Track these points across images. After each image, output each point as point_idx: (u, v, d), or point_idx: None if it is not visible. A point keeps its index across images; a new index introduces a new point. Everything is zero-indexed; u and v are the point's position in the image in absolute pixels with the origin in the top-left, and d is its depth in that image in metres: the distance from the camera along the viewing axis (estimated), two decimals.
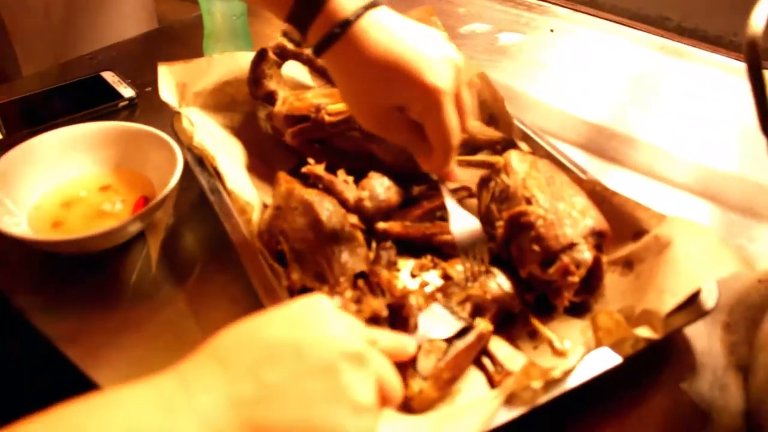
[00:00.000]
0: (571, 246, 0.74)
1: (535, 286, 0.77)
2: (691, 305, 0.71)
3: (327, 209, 0.81)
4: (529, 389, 0.64)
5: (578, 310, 0.77)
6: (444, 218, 0.86)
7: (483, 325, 0.72)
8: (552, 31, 1.36)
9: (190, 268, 0.88)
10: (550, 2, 1.44)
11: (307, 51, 1.01)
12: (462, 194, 0.89)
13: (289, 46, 1.00)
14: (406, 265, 0.82)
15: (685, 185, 0.99)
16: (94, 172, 0.95)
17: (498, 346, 0.74)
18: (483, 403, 0.64)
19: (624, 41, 1.32)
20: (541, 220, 0.75)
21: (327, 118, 0.91)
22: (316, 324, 0.51)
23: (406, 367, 0.68)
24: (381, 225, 0.84)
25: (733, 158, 1.03)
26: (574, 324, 0.76)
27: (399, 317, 0.73)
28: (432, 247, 0.84)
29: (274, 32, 1.27)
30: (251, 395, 0.46)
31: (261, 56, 0.99)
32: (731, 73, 1.19)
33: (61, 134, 0.95)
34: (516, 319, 0.77)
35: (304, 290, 0.76)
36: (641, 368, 0.72)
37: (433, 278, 0.80)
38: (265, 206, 0.87)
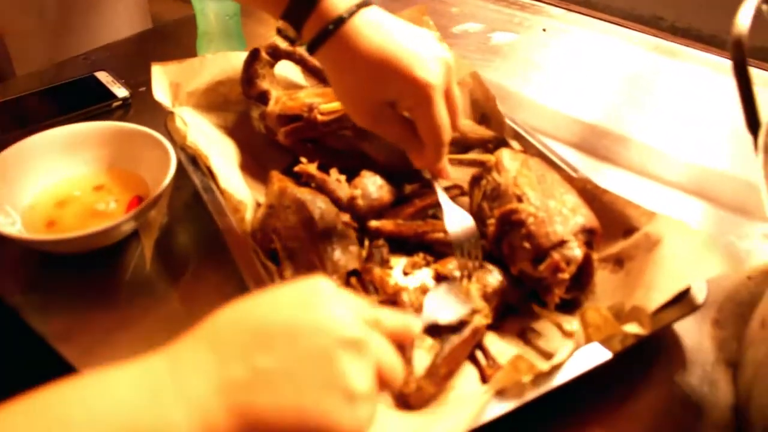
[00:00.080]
0: (562, 243, 0.75)
1: (526, 283, 0.78)
2: (681, 302, 0.72)
3: (319, 208, 0.81)
4: (518, 384, 0.64)
5: (569, 306, 0.77)
6: (436, 216, 0.87)
7: (478, 319, 0.73)
8: (545, 30, 1.36)
9: (184, 266, 0.88)
10: (543, 2, 1.44)
11: (300, 50, 1.01)
12: (454, 192, 0.90)
13: (282, 45, 1.00)
14: (399, 262, 0.83)
15: (677, 183, 1.00)
16: (87, 171, 0.96)
17: (491, 341, 0.75)
18: (473, 398, 0.64)
19: (617, 41, 1.32)
20: (531, 218, 0.76)
21: (319, 117, 0.91)
22: (314, 306, 0.49)
23: (403, 363, 0.69)
24: (373, 223, 0.85)
25: (725, 157, 1.04)
26: (565, 321, 0.76)
27: None
28: (424, 245, 0.84)
29: (267, 32, 1.28)
30: (241, 380, 0.45)
31: (254, 56, 1.00)
32: (724, 73, 1.20)
33: (54, 134, 0.95)
34: (515, 312, 0.78)
35: None
36: (632, 364, 0.73)
37: (426, 276, 0.80)
38: (258, 205, 0.88)
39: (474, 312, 0.73)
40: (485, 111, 0.99)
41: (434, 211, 0.88)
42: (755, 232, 0.90)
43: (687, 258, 0.72)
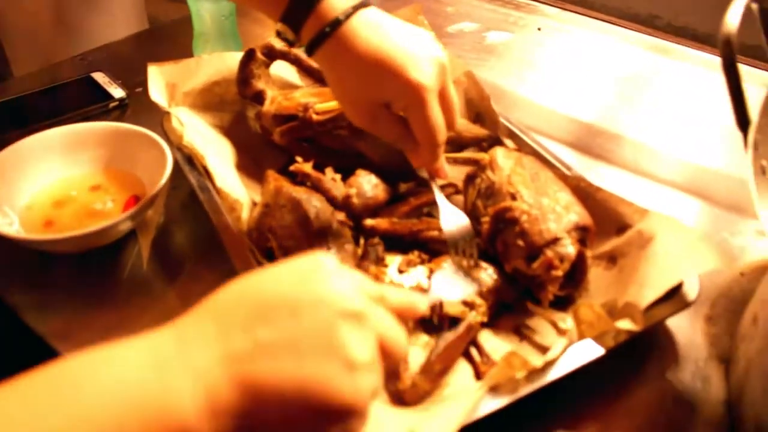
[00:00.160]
0: (555, 240, 0.75)
1: (520, 280, 0.78)
2: (673, 298, 0.72)
3: (315, 206, 0.82)
4: (512, 380, 0.65)
5: (563, 304, 0.78)
6: (431, 214, 0.87)
7: (472, 316, 0.74)
8: (539, 29, 1.37)
9: (181, 265, 0.89)
10: (538, 1, 1.45)
11: (295, 51, 1.02)
12: (448, 191, 0.90)
13: (278, 45, 1.00)
14: (394, 260, 0.83)
15: (671, 181, 1.00)
16: (85, 171, 0.96)
17: (485, 338, 0.76)
18: (467, 394, 0.65)
19: (612, 40, 1.33)
20: (525, 216, 0.76)
21: (315, 117, 0.92)
22: (315, 280, 0.50)
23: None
24: (368, 222, 0.85)
25: (719, 155, 1.04)
26: (560, 318, 0.77)
27: None
28: (419, 243, 0.85)
29: (263, 32, 1.29)
30: (244, 351, 0.46)
31: (249, 56, 1.00)
32: (718, 71, 1.18)
33: (52, 135, 0.96)
34: (510, 309, 0.79)
35: None
36: (625, 360, 0.73)
37: (421, 274, 0.81)
38: (254, 204, 0.88)
39: (479, 292, 0.75)
40: (480, 110, 1.00)
41: (429, 210, 0.89)
42: (748, 229, 0.91)
43: (679, 254, 0.73)
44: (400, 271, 0.82)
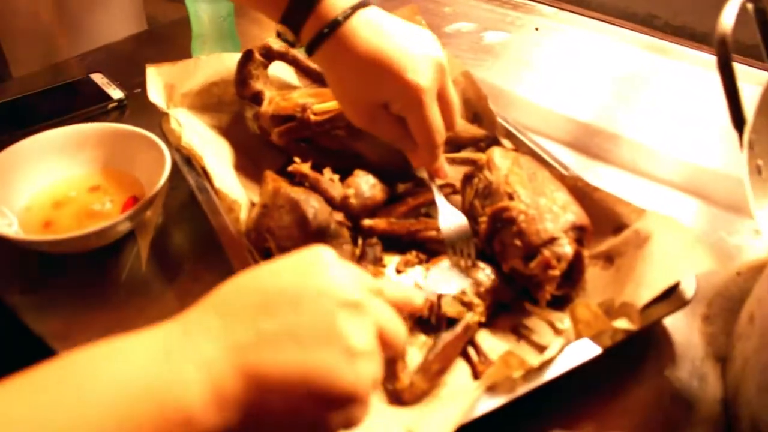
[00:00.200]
0: (552, 240, 0.75)
1: (518, 280, 0.78)
2: (670, 297, 0.72)
3: (313, 207, 0.82)
4: (509, 379, 0.65)
5: (561, 303, 0.78)
6: (428, 215, 0.88)
7: (470, 316, 0.74)
8: (537, 29, 1.37)
9: (179, 266, 0.89)
10: (535, 1, 1.45)
11: (293, 51, 1.02)
12: (446, 191, 0.90)
13: (275, 46, 1.01)
14: (392, 260, 0.84)
15: (668, 181, 1.01)
16: (83, 172, 0.96)
17: (483, 338, 0.76)
18: (465, 393, 0.65)
19: (609, 39, 1.33)
20: (522, 216, 0.77)
21: (313, 117, 0.92)
22: (315, 274, 0.51)
23: (396, 360, 0.70)
24: (366, 222, 0.86)
25: (716, 154, 1.05)
26: (557, 318, 0.77)
27: None
28: (417, 243, 0.85)
29: (261, 33, 1.29)
30: (247, 341, 0.48)
31: (247, 57, 1.00)
32: (716, 71, 1.20)
33: (50, 136, 0.96)
34: (508, 309, 0.79)
35: None
36: (622, 360, 0.74)
37: (418, 274, 0.81)
38: (253, 204, 0.88)
39: (477, 292, 0.75)
40: (477, 110, 1.00)
41: (427, 210, 0.89)
42: (745, 229, 0.91)
43: (676, 254, 0.73)
44: (398, 271, 0.82)
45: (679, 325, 0.78)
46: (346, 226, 0.84)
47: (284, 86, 1.07)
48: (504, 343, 0.76)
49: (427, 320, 0.75)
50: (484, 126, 0.99)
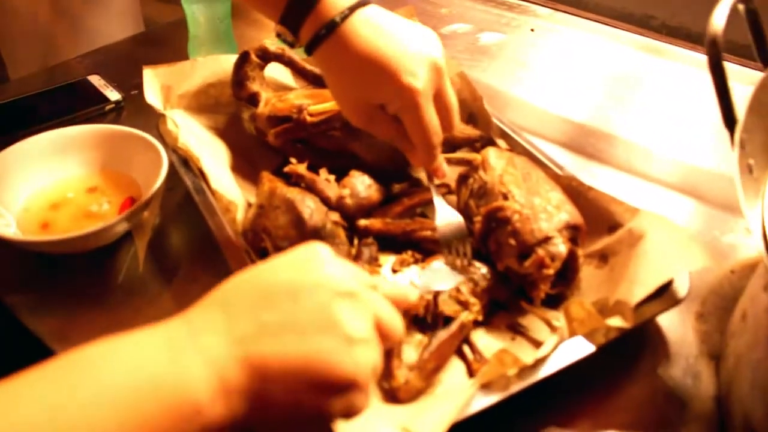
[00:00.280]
0: (547, 239, 0.76)
1: (513, 279, 0.79)
2: (664, 295, 0.73)
3: (309, 207, 0.82)
4: (503, 377, 0.66)
5: (556, 302, 0.79)
6: (424, 214, 0.88)
7: (465, 314, 0.74)
8: (532, 30, 1.38)
9: (177, 266, 0.90)
10: (531, 2, 1.46)
11: (289, 53, 1.03)
12: (441, 191, 0.91)
13: (272, 48, 1.01)
14: (388, 260, 0.84)
15: (663, 181, 1.01)
16: (81, 174, 0.97)
17: (478, 336, 0.76)
18: (460, 391, 0.65)
19: (604, 40, 1.33)
20: (517, 215, 0.77)
21: (309, 118, 0.92)
22: (312, 268, 0.53)
23: (392, 358, 0.70)
24: (362, 222, 0.86)
25: (711, 154, 1.05)
26: (553, 316, 0.78)
27: None
28: (413, 243, 0.86)
29: (258, 35, 1.29)
30: (249, 333, 0.49)
31: (243, 59, 1.01)
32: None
33: (48, 137, 0.96)
34: (503, 308, 0.79)
35: None
36: (616, 357, 0.74)
37: (414, 273, 0.81)
38: (249, 205, 0.89)
39: (468, 280, 0.76)
40: (472, 110, 1.00)
41: (422, 210, 0.89)
42: (739, 227, 0.92)
43: (669, 252, 0.73)
44: (394, 271, 0.83)
45: (673, 323, 0.79)
46: (342, 226, 0.84)
47: (280, 88, 1.07)
48: (499, 341, 0.76)
49: (423, 319, 0.76)
50: (480, 126, 0.99)
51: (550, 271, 0.75)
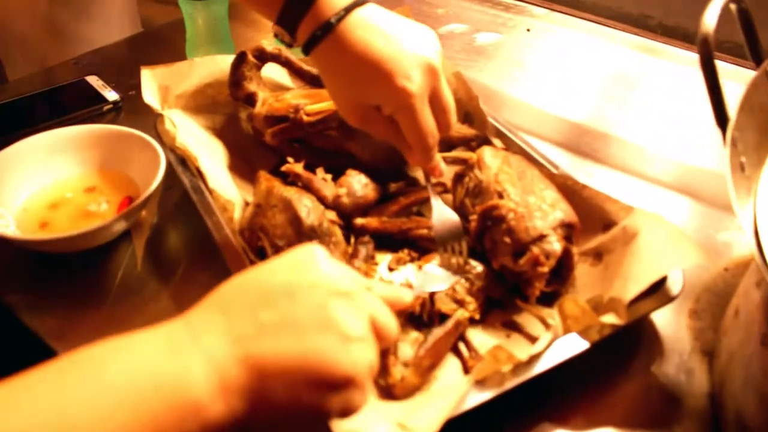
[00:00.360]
0: (541, 237, 0.76)
1: (508, 277, 0.79)
2: (657, 293, 0.73)
3: (306, 206, 0.83)
4: (498, 374, 0.66)
5: (551, 300, 0.79)
6: (420, 213, 0.89)
7: (460, 312, 0.75)
8: (528, 30, 1.38)
9: (175, 265, 0.90)
10: (527, 2, 1.46)
11: (286, 53, 1.03)
12: (437, 190, 0.91)
13: (269, 48, 1.02)
14: (384, 259, 0.84)
15: (658, 179, 1.02)
16: (79, 173, 0.97)
17: (474, 334, 0.77)
18: (454, 387, 0.66)
19: (600, 40, 1.34)
20: (512, 213, 0.78)
21: (305, 118, 0.93)
22: (308, 269, 0.54)
23: (387, 355, 0.71)
24: (359, 221, 0.87)
25: (705, 153, 1.05)
26: (548, 314, 0.78)
27: None
28: (409, 241, 0.86)
29: (255, 35, 1.30)
30: (248, 333, 0.50)
31: (241, 59, 1.01)
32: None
33: (46, 137, 0.97)
34: (498, 306, 0.80)
35: None
36: (610, 354, 0.75)
37: (410, 272, 0.82)
38: (247, 204, 0.89)
39: (468, 290, 0.77)
40: (468, 110, 1.01)
41: (418, 208, 0.90)
42: (732, 225, 0.92)
43: (662, 250, 0.74)
44: (390, 269, 0.83)
45: (667, 321, 0.79)
46: (339, 225, 0.85)
47: (277, 87, 1.07)
48: (494, 338, 0.77)
49: (419, 316, 0.76)
50: (475, 126, 1.00)
51: (545, 269, 0.75)
